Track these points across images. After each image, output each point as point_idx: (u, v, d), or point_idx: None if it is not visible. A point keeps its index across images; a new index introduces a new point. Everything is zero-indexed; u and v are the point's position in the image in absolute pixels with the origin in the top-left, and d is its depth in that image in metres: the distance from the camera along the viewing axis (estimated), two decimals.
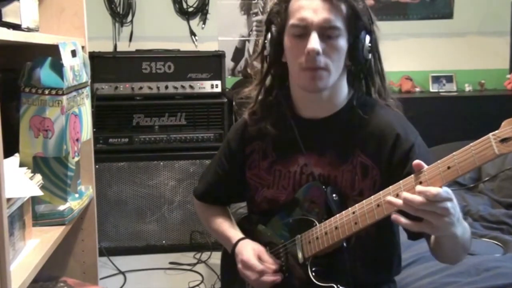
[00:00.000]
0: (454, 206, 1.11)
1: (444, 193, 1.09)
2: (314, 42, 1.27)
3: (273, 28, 1.37)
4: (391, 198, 1.15)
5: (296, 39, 1.31)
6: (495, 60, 3.97)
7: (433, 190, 1.09)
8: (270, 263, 1.39)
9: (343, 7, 1.30)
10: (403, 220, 1.13)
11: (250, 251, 1.42)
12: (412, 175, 1.15)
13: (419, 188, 1.11)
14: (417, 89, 3.85)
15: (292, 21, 1.31)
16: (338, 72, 1.34)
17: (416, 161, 1.14)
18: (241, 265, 1.43)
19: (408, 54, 3.92)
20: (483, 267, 1.87)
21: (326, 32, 1.29)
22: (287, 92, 1.45)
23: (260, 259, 1.41)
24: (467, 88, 3.88)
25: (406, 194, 1.12)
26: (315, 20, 1.28)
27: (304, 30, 1.29)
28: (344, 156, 1.37)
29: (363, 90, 1.43)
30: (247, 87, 1.50)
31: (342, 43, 1.31)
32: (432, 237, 1.28)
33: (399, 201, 1.13)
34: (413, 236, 1.32)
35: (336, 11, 1.29)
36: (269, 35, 1.38)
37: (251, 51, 3.82)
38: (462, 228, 1.19)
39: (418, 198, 1.10)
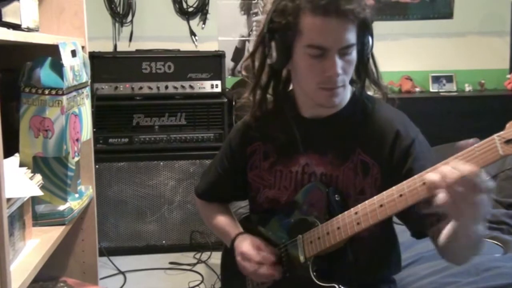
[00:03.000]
0: (487, 201, 1.06)
1: (485, 182, 1.03)
2: (337, 66, 1.26)
3: (279, 39, 1.31)
4: (431, 176, 1.07)
5: (313, 59, 1.28)
6: (495, 60, 3.97)
7: (474, 169, 1.02)
8: (269, 254, 1.40)
9: (356, 22, 1.28)
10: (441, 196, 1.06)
11: (249, 244, 1.43)
12: (415, 176, 1.15)
13: (459, 165, 1.04)
14: (417, 89, 3.85)
15: (308, 41, 1.27)
16: (349, 80, 1.34)
17: (461, 142, 1.09)
18: (240, 257, 1.43)
19: (408, 54, 3.92)
20: (483, 267, 1.87)
21: (343, 50, 1.28)
22: (288, 93, 1.44)
23: (259, 249, 1.41)
24: (467, 88, 3.88)
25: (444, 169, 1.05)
26: (335, 43, 1.26)
27: (322, 52, 1.27)
28: (345, 155, 1.37)
29: (363, 86, 1.42)
30: (246, 92, 1.48)
31: (354, 55, 1.31)
32: (445, 233, 1.21)
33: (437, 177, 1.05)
34: (418, 234, 1.31)
35: (351, 27, 1.27)
36: (273, 44, 1.32)
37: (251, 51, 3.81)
38: (483, 229, 1.14)
39: (455, 173, 1.03)
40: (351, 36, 1.27)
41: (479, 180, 1.04)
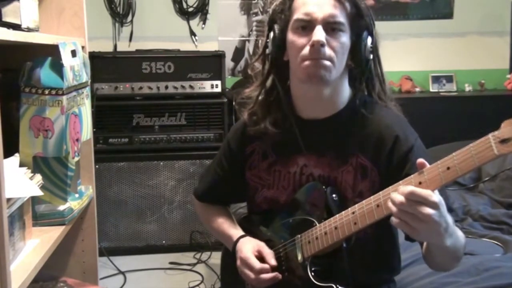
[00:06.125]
0: (440, 215, 1.09)
1: (429, 196, 1.07)
2: (319, 34, 1.29)
3: (276, 27, 1.37)
4: (389, 205, 1.14)
5: (300, 32, 1.32)
6: (495, 60, 3.97)
7: (408, 188, 1.08)
8: (269, 260, 1.39)
9: (347, 5, 1.32)
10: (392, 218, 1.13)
11: (249, 249, 1.42)
12: (412, 176, 1.15)
13: (400, 188, 1.11)
14: (417, 89, 3.85)
15: (296, 16, 1.33)
16: (341, 68, 1.34)
17: (420, 160, 1.13)
18: (240, 262, 1.43)
19: (408, 54, 3.92)
20: (483, 267, 1.87)
21: (330, 26, 1.31)
22: (287, 93, 1.45)
23: (259, 254, 1.41)
24: (467, 88, 3.88)
25: (391, 194, 1.12)
26: (320, 15, 1.30)
27: (308, 24, 1.31)
28: (344, 157, 1.37)
29: (364, 91, 1.43)
30: (248, 87, 1.49)
31: (345, 38, 1.32)
32: (424, 243, 1.28)
33: (393, 207, 1.12)
34: (410, 237, 1.31)
35: (340, 7, 1.31)
36: (271, 34, 1.38)
37: (251, 51, 3.82)
38: (453, 239, 1.17)
39: (398, 197, 1.10)
40: (339, 14, 1.31)
41: (422, 198, 1.07)
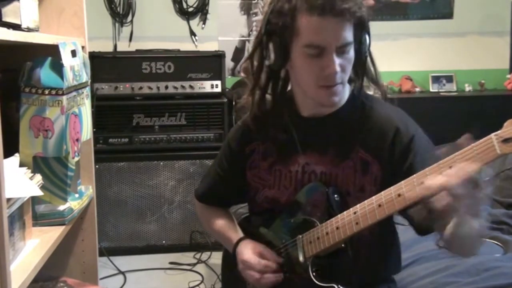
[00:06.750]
0: (484, 197, 1.09)
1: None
2: (335, 65, 1.27)
3: (276, 40, 1.31)
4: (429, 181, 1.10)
5: (311, 58, 1.28)
6: (495, 60, 3.97)
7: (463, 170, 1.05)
8: (272, 260, 1.39)
9: (353, 20, 1.28)
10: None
11: (250, 250, 1.42)
12: (414, 175, 1.15)
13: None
14: (417, 89, 3.85)
15: (306, 41, 1.27)
16: (347, 78, 1.35)
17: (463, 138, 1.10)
18: (241, 265, 1.43)
19: (408, 54, 3.92)
20: (483, 267, 1.87)
21: (341, 49, 1.28)
22: (285, 93, 1.44)
23: (261, 256, 1.41)
24: (467, 88, 3.88)
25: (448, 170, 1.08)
26: (333, 42, 1.26)
27: (320, 51, 1.27)
28: (345, 153, 1.37)
29: (358, 80, 1.41)
30: (245, 93, 1.48)
31: (352, 52, 1.31)
32: (450, 226, 1.20)
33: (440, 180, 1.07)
34: (422, 231, 1.30)
35: (347, 25, 1.27)
36: (271, 46, 1.32)
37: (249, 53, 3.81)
38: (480, 225, 1.15)
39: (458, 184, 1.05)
40: (348, 35, 1.28)
41: (478, 178, 1.05)
